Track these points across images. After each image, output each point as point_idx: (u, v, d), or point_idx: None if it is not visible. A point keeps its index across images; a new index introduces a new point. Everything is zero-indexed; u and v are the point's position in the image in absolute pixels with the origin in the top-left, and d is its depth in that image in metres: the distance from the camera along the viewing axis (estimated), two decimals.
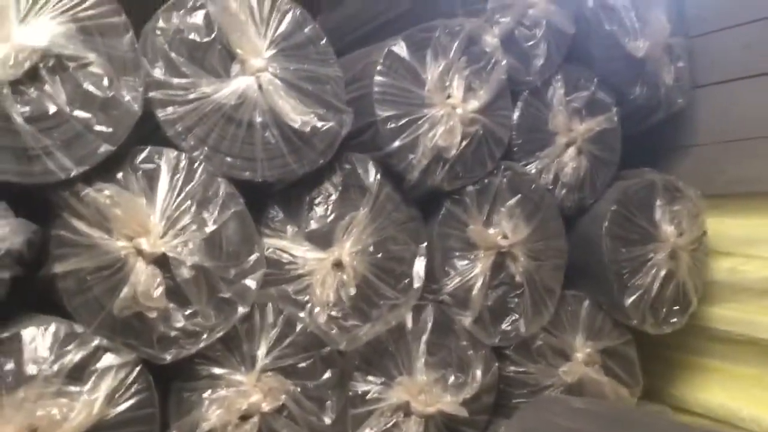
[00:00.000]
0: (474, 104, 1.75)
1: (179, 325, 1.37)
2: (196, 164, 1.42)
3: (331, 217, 1.61)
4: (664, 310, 1.95)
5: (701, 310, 2.05)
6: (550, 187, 1.90)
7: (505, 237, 1.78)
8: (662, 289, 1.93)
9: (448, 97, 1.72)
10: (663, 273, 1.92)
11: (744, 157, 2.01)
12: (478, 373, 1.69)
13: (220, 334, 1.42)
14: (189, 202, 1.40)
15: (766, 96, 1.97)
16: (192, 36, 1.44)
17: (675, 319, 1.97)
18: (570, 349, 1.87)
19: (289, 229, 1.57)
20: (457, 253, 1.76)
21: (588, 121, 1.95)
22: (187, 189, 1.40)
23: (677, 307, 1.97)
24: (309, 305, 1.55)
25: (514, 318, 1.80)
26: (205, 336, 1.40)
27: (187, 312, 1.38)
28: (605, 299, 1.94)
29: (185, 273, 1.36)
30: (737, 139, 2.05)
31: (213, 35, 1.46)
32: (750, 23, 2.00)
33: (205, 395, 1.41)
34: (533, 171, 1.89)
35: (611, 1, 1.92)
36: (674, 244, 1.93)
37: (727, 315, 2.01)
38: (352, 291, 1.58)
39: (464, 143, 1.73)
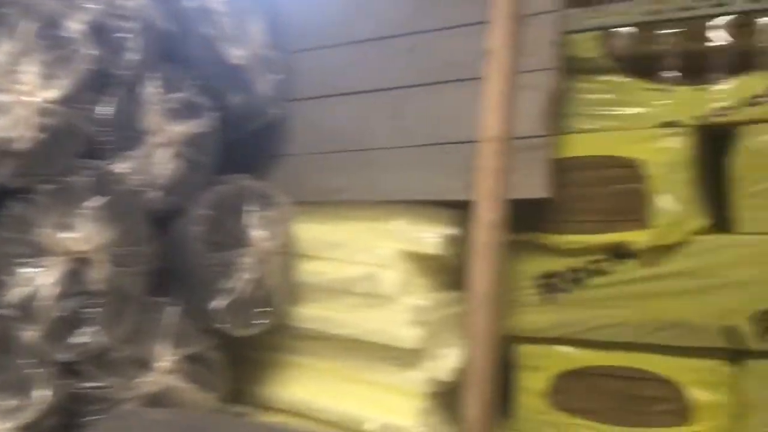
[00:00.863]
0: (51, 93, 1.58)
1: None
2: None
3: None
4: (252, 312, 2.04)
5: (288, 311, 2.18)
6: (140, 189, 1.82)
7: (83, 241, 1.65)
8: (250, 292, 2.01)
9: (21, 83, 1.53)
10: (251, 277, 2.00)
11: (329, 169, 2.20)
12: (40, 394, 1.53)
13: None
14: None
15: (348, 113, 2.19)
16: None
17: (262, 321, 2.06)
18: (152, 358, 1.81)
19: None
20: (24, 260, 1.57)
21: (183, 123, 1.91)
22: None
23: (264, 309, 2.07)
24: None
25: (89, 329, 1.67)
26: None
27: None
28: (194, 304, 1.94)
29: None
30: (325, 152, 2.24)
31: None
32: (341, 45, 2.21)
33: None
34: (122, 171, 1.78)
35: (210, 4, 1.93)
36: (263, 248, 2.02)
37: (310, 313, 2.18)
38: None
39: (39, 136, 1.56)
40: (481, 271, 1.87)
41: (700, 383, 1.86)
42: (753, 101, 1.82)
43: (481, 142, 1.85)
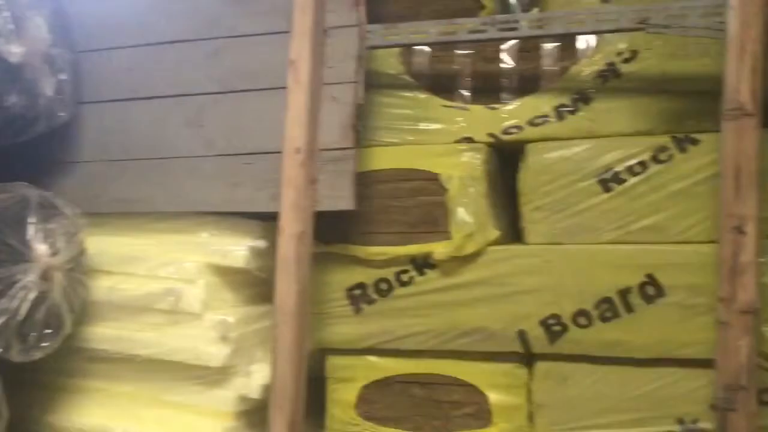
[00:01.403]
0: None
1: None
2: None
3: None
4: (35, 334, 1.83)
5: (79, 331, 2.00)
6: None
7: None
8: (32, 313, 1.81)
9: None
10: (33, 295, 1.80)
11: (125, 177, 2.06)
12: None
13: None
14: None
15: (145, 119, 2.07)
16: None
17: (47, 343, 1.87)
18: None
19: None
20: None
21: None
22: None
23: (50, 331, 1.87)
24: None
25: None
26: None
27: None
28: None
29: None
30: (120, 159, 2.09)
31: None
32: (133, 47, 2.09)
33: None
34: None
35: None
36: (47, 264, 1.83)
37: (106, 333, 2.02)
38: None
39: None
40: (286, 285, 1.83)
41: (499, 386, 1.96)
42: (537, 121, 1.96)
43: (285, 153, 1.82)
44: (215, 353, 1.90)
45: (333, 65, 1.89)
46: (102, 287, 2.03)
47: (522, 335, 1.91)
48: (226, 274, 1.99)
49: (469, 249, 1.92)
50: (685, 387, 1.82)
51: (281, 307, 1.83)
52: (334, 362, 2.08)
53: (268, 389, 1.90)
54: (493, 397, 1.95)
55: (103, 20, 2.14)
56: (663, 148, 1.86)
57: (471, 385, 1.97)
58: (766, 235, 1.73)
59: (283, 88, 1.85)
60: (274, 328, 1.84)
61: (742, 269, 1.64)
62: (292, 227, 1.83)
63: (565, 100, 1.96)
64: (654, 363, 1.85)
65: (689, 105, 1.89)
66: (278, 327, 1.84)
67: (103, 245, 2.05)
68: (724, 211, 1.66)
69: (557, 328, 1.88)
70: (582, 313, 1.87)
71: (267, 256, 1.96)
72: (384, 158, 2.02)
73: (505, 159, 2.08)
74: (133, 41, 2.08)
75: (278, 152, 1.85)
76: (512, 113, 1.99)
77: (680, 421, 1.82)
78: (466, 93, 2.03)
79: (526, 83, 1.99)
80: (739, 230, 1.64)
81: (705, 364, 1.73)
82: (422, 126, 2.05)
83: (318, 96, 1.86)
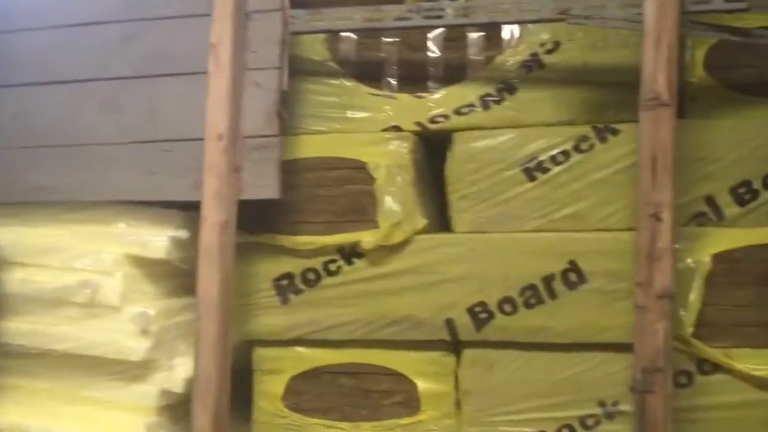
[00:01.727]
0: None
1: None
2: None
3: None
4: None
5: None
6: None
7: None
8: None
9: None
10: None
11: (36, 165, 1.97)
12: None
13: None
14: None
15: (59, 104, 1.98)
16: None
17: None
18: None
19: None
20: None
21: None
22: None
23: None
24: None
25: None
26: None
27: None
28: None
29: None
30: (36, 146, 1.99)
31: None
32: (48, 29, 1.99)
33: None
34: None
35: None
36: None
37: (21, 328, 1.93)
38: None
39: None
40: (209, 275, 1.78)
41: (427, 374, 1.96)
42: (463, 110, 1.97)
43: (207, 139, 1.77)
44: (135, 347, 1.84)
45: (256, 50, 1.85)
46: (15, 280, 1.94)
47: (449, 323, 1.91)
48: (146, 265, 1.93)
49: (397, 238, 1.91)
50: (606, 371, 1.86)
51: (204, 299, 1.78)
52: (261, 354, 2.04)
53: (191, 383, 1.85)
54: (422, 385, 1.95)
55: (17, 0, 2.04)
56: (584, 138, 1.89)
57: (399, 374, 1.97)
58: (682, 222, 1.80)
59: (204, 72, 1.80)
60: (196, 321, 1.79)
61: (658, 255, 1.68)
62: (214, 216, 1.78)
63: (490, 89, 1.97)
64: (576, 348, 1.89)
65: (609, 95, 1.93)
66: (201, 319, 1.79)
67: (16, 236, 1.97)
68: (641, 199, 1.70)
69: (483, 315, 1.90)
70: (507, 300, 1.89)
71: (189, 246, 1.91)
72: (310, 146, 2.00)
73: (433, 148, 2.08)
74: (48, 22, 1.99)
75: (200, 139, 1.80)
76: (439, 102, 1.99)
77: (601, 404, 1.86)
78: (393, 81, 2.02)
79: (452, 72, 1.99)
80: (656, 217, 1.68)
81: (624, 348, 1.76)
82: (349, 114, 2.03)
83: (240, 81, 1.81)
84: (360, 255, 1.94)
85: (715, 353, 1.79)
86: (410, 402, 1.97)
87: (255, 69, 1.84)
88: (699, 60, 1.92)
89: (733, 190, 1.83)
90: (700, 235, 1.82)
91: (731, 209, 1.84)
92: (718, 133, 1.84)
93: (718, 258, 1.81)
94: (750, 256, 1.81)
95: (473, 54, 1.99)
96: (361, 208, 1.95)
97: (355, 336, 1.97)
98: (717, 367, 1.79)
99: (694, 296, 1.79)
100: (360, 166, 1.96)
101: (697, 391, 1.80)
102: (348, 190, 1.97)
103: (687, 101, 1.89)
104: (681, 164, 1.72)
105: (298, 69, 1.97)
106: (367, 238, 1.92)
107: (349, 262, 1.96)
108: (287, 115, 1.91)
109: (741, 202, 1.83)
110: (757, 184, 1.82)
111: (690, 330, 1.79)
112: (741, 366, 1.77)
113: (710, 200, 1.84)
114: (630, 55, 1.86)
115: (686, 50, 1.92)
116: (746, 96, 1.91)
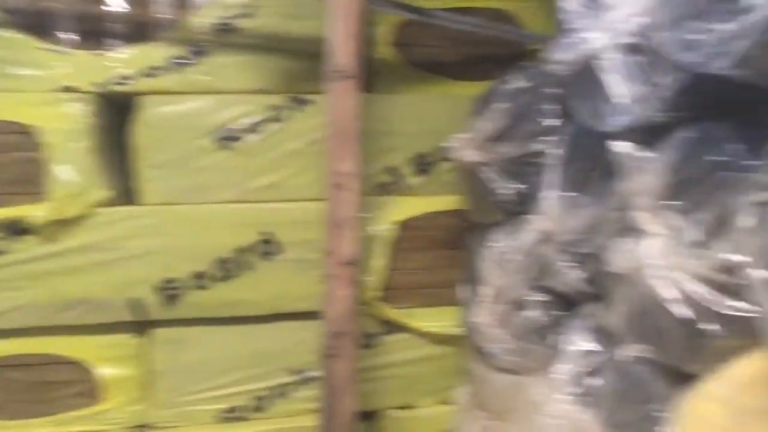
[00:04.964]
0: None
1: None
2: None
3: None
4: None
5: None
6: None
7: None
8: None
9: None
10: None
11: None
12: None
13: None
14: None
15: None
16: None
17: None
18: None
19: None
20: None
21: None
22: None
23: None
24: None
25: None
26: None
27: None
28: None
29: None
30: None
31: None
32: None
33: None
34: None
35: None
36: None
37: None
38: None
39: None
40: None
41: (108, 360, 1.82)
42: (151, 72, 1.82)
43: None
44: None
45: None
46: None
47: (133, 303, 1.78)
48: None
49: (72, 211, 1.71)
50: (300, 339, 1.88)
51: None
52: None
53: None
54: (104, 371, 1.80)
55: None
56: (278, 108, 1.86)
57: (78, 362, 1.79)
58: (367, 192, 1.87)
59: None
60: None
61: (343, 224, 1.72)
62: None
63: (182, 51, 1.84)
64: (272, 319, 1.88)
65: (304, 66, 1.92)
66: None
67: None
68: (327, 170, 1.73)
69: (174, 292, 1.79)
70: (200, 275, 1.81)
71: None
72: None
73: (122, 112, 1.90)
74: None
75: None
76: (124, 62, 1.80)
77: (296, 372, 1.89)
78: (67, 36, 1.78)
79: (140, 30, 1.82)
80: (341, 187, 1.72)
81: (317, 315, 1.79)
82: (14, 71, 1.74)
83: None
84: (29, 231, 1.70)
85: (396, 314, 1.91)
86: (91, 391, 1.80)
87: None
88: (386, 37, 1.99)
89: (413, 161, 1.95)
90: (384, 203, 1.91)
91: (413, 179, 1.95)
92: (400, 107, 1.93)
93: (400, 225, 1.92)
94: (429, 222, 1.95)
95: (162, 12, 1.83)
96: (28, 179, 1.70)
97: (26, 323, 1.74)
98: (399, 327, 1.92)
99: (379, 262, 1.89)
100: (27, 131, 1.70)
101: (381, 351, 1.91)
102: (13, 158, 1.70)
103: (374, 76, 1.96)
104: (367, 136, 1.78)
105: None
106: (35, 213, 1.68)
107: (17, 240, 1.71)
108: None
109: (420, 172, 1.96)
110: (433, 156, 1.96)
111: (375, 294, 1.88)
112: (419, 324, 1.92)
113: (393, 170, 1.94)
114: (321, 26, 1.87)
115: (375, 27, 1.99)
116: (428, 74, 2.04)
